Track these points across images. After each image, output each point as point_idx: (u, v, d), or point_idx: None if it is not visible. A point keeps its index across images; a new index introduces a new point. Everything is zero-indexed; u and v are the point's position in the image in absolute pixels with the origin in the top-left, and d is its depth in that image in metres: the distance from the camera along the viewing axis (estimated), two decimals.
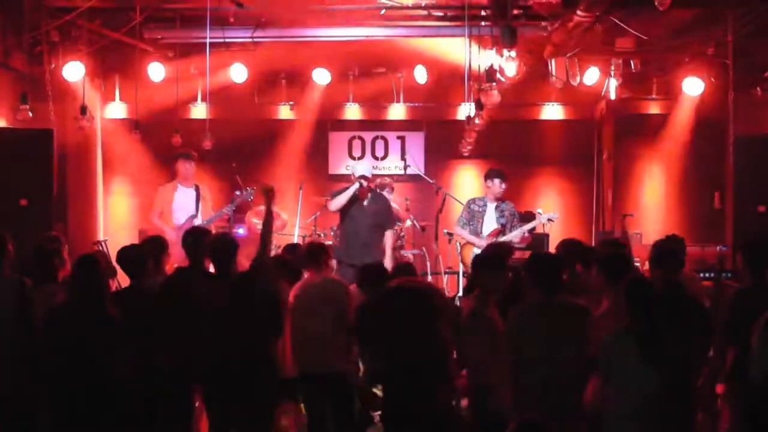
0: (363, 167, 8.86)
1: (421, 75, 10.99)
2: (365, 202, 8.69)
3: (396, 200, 10.21)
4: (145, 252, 5.74)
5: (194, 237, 5.94)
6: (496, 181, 9.05)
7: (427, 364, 4.72)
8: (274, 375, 5.42)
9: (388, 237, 8.70)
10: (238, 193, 9.54)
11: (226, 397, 5.33)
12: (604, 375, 4.41)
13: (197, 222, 8.87)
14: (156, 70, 10.56)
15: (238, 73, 10.68)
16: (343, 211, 8.69)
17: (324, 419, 5.83)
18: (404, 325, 4.77)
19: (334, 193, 8.86)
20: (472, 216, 9.07)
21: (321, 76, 11.12)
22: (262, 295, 5.41)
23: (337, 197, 8.70)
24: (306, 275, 6.03)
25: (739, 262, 5.48)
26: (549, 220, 9.23)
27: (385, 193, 9.67)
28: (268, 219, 5.77)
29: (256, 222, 10.05)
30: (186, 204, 9.14)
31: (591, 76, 10.46)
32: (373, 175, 9.13)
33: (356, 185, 8.60)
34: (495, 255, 5.67)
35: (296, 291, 5.93)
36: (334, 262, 6.34)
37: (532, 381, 4.75)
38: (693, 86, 10.60)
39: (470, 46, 8.99)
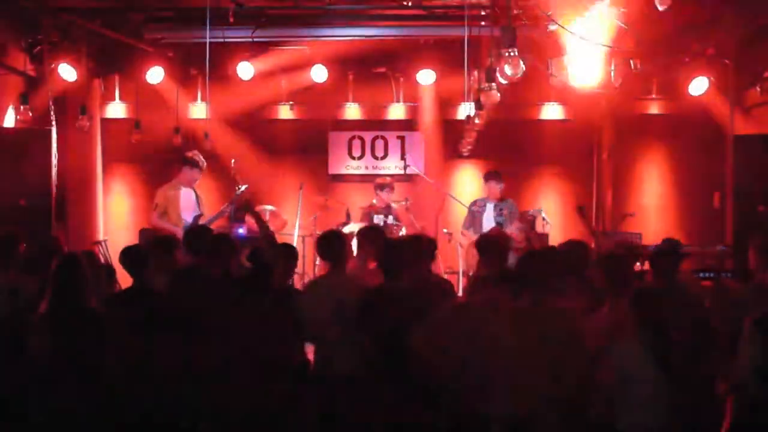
0: None
1: (425, 77, 10.97)
2: None
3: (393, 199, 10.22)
4: (148, 252, 5.72)
5: (199, 235, 5.98)
6: (492, 183, 9.25)
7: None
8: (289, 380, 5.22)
9: None
10: (238, 192, 9.52)
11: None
12: (614, 385, 4.31)
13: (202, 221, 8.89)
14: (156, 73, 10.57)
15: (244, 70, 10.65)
16: None
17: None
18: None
19: None
20: (473, 217, 9.16)
21: (319, 74, 11.03)
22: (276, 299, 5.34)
23: None
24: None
25: (752, 259, 5.49)
26: (532, 216, 9.27)
27: (384, 192, 9.68)
28: (262, 225, 5.81)
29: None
30: (189, 204, 9.15)
31: (590, 75, 10.44)
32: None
33: None
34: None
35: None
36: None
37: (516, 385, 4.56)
38: (693, 86, 10.59)
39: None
